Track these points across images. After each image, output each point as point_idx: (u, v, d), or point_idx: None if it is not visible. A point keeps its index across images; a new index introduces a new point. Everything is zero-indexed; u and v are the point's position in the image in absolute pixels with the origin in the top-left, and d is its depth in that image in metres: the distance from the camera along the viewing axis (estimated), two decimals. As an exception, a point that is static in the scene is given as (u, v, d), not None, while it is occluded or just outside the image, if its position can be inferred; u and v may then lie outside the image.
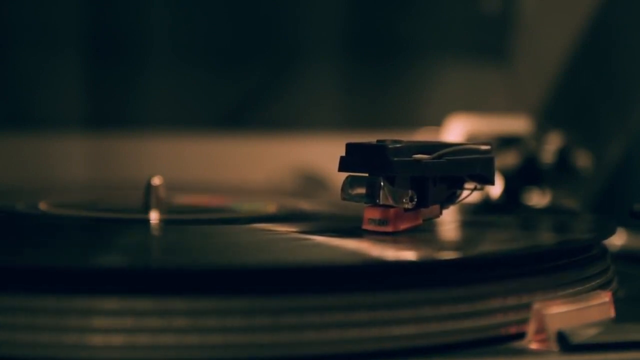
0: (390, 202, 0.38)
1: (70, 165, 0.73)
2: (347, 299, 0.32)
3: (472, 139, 0.62)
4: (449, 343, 0.33)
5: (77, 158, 0.73)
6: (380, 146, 0.38)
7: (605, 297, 0.36)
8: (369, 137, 0.40)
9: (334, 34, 0.77)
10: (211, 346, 0.30)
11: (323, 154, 0.70)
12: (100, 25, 0.74)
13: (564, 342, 0.33)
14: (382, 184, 0.38)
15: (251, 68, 0.77)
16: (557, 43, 0.74)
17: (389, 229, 0.39)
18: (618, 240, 0.52)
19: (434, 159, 0.39)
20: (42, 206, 0.49)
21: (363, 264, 0.34)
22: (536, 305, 0.34)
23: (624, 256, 0.51)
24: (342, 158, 0.39)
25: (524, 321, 0.34)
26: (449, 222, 0.45)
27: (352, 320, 0.32)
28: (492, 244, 0.41)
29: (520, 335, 0.34)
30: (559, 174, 0.60)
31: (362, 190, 0.38)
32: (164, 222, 0.44)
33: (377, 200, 0.38)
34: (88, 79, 0.73)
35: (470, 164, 0.40)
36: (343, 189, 0.39)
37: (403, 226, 0.39)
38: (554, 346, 0.33)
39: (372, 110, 0.79)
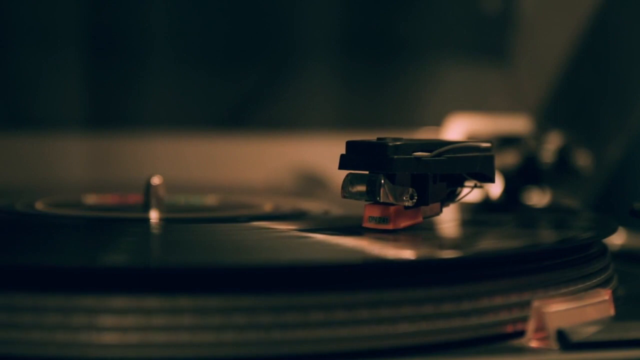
0: (391, 199, 0.38)
1: (70, 165, 0.73)
2: (346, 297, 0.32)
3: (472, 138, 0.62)
4: (448, 341, 0.33)
5: (77, 158, 0.73)
6: (380, 144, 0.38)
7: (605, 295, 0.36)
8: (368, 137, 0.40)
9: (333, 34, 0.77)
10: (212, 344, 0.30)
11: (322, 153, 0.70)
12: (100, 25, 0.74)
13: (564, 340, 0.33)
14: (382, 181, 0.38)
15: (250, 68, 0.77)
16: (557, 43, 0.74)
17: (390, 226, 0.39)
18: (618, 239, 0.53)
19: (434, 156, 0.39)
20: (42, 206, 0.49)
21: (363, 262, 0.34)
22: (536, 304, 0.34)
23: (624, 255, 0.51)
24: (342, 156, 0.39)
25: (524, 319, 0.34)
26: (449, 220, 0.45)
27: (351, 319, 0.32)
28: (492, 242, 0.42)
29: (520, 334, 0.34)
30: (559, 173, 0.60)
31: (362, 188, 0.38)
32: (164, 222, 0.45)
33: (378, 198, 0.38)
34: (88, 78, 0.73)
35: (470, 161, 0.40)
36: (343, 186, 0.39)
37: (403, 224, 0.39)
38: (553, 344, 0.33)
39: (372, 110, 0.79)
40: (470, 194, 0.42)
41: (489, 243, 0.41)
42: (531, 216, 0.53)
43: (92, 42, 0.73)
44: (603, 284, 0.39)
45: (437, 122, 0.69)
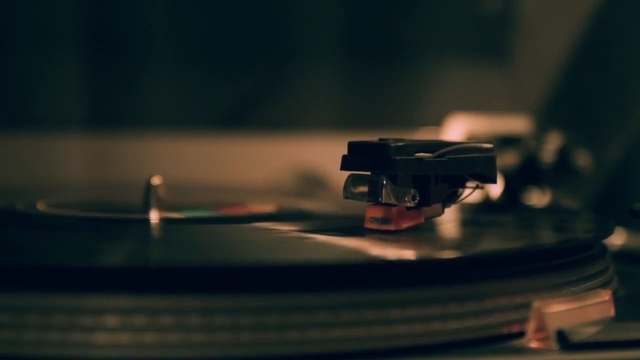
0: (393, 200, 0.38)
1: (70, 165, 0.73)
2: (347, 297, 0.32)
3: (472, 138, 0.62)
4: (449, 342, 0.33)
5: (77, 158, 0.73)
6: (382, 144, 0.38)
7: (605, 295, 0.36)
8: (369, 137, 0.40)
9: (333, 34, 0.77)
10: (216, 344, 0.30)
11: (323, 153, 0.70)
12: (100, 25, 0.74)
13: (564, 340, 0.33)
14: (384, 182, 0.38)
15: (250, 68, 0.77)
16: (557, 43, 0.74)
17: (391, 227, 0.39)
18: (618, 239, 0.53)
19: (436, 157, 0.39)
20: (42, 206, 0.49)
21: (365, 263, 0.34)
22: (536, 304, 0.34)
23: (624, 255, 0.51)
24: (344, 157, 0.39)
25: (524, 320, 0.34)
26: (450, 221, 0.45)
27: (350, 319, 0.32)
28: (492, 242, 0.42)
29: (520, 334, 0.34)
30: (559, 173, 0.60)
31: (364, 189, 0.38)
32: (164, 222, 0.45)
33: (380, 199, 0.38)
34: (88, 79, 0.73)
35: (472, 162, 0.40)
36: (345, 187, 0.39)
37: (405, 225, 0.39)
38: (553, 345, 0.33)
39: (372, 110, 0.79)
40: (472, 193, 0.42)
41: (489, 244, 0.41)
42: (531, 216, 0.53)
43: (92, 42, 0.73)
44: (603, 285, 0.39)
45: (437, 122, 0.69)
